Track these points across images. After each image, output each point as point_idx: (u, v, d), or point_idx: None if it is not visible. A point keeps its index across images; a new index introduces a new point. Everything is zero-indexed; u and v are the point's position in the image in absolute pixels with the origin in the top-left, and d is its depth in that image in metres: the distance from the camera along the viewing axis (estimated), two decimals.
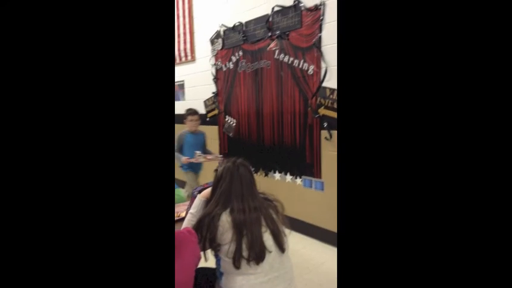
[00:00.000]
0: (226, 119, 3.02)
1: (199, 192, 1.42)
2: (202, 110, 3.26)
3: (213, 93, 3.11)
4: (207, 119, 3.21)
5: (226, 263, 0.99)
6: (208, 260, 1.06)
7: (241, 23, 2.69)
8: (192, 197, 1.45)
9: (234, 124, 2.96)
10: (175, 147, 2.50)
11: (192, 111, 2.57)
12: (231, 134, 3.01)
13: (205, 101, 3.22)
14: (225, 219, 0.99)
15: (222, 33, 2.91)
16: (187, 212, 1.35)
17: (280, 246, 1.02)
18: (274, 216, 1.06)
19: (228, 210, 1.01)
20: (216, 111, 3.12)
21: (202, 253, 1.01)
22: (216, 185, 1.09)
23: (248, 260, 0.96)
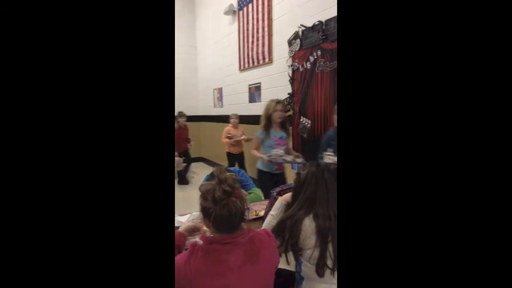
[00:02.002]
0: (301, 120, 2.99)
1: (278, 193, 1.44)
2: None
3: (289, 94, 3.12)
4: None
5: (308, 269, 0.97)
6: (290, 263, 1.06)
7: (320, 22, 2.62)
8: (270, 198, 1.47)
9: (309, 125, 2.91)
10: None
11: None
12: (305, 135, 2.97)
13: None
14: (308, 224, 0.98)
15: (300, 33, 2.89)
16: (266, 212, 1.38)
17: None
18: None
19: (311, 215, 0.99)
20: (290, 112, 3.12)
21: (284, 255, 1.01)
22: (299, 189, 1.07)
23: (333, 270, 0.93)
